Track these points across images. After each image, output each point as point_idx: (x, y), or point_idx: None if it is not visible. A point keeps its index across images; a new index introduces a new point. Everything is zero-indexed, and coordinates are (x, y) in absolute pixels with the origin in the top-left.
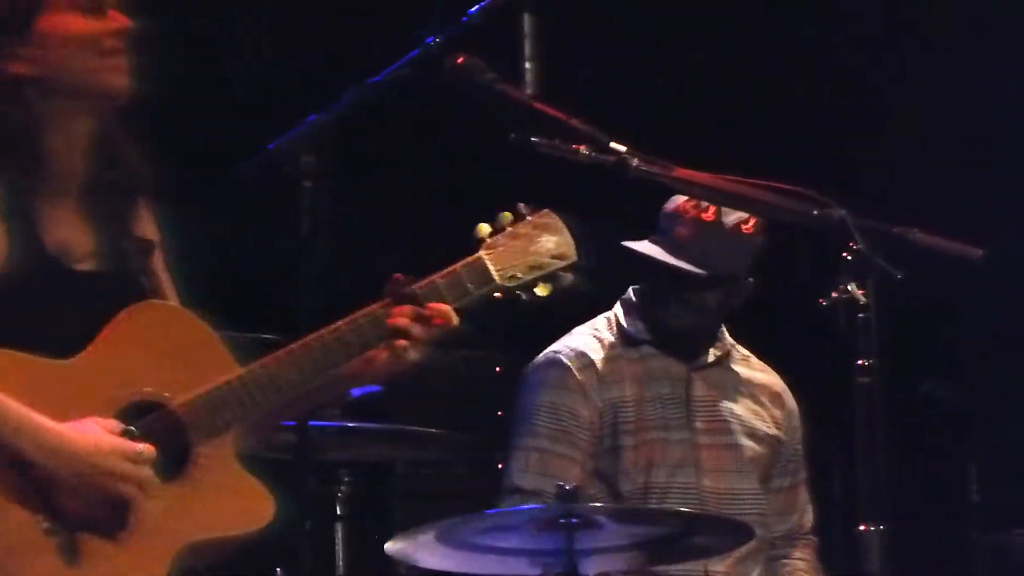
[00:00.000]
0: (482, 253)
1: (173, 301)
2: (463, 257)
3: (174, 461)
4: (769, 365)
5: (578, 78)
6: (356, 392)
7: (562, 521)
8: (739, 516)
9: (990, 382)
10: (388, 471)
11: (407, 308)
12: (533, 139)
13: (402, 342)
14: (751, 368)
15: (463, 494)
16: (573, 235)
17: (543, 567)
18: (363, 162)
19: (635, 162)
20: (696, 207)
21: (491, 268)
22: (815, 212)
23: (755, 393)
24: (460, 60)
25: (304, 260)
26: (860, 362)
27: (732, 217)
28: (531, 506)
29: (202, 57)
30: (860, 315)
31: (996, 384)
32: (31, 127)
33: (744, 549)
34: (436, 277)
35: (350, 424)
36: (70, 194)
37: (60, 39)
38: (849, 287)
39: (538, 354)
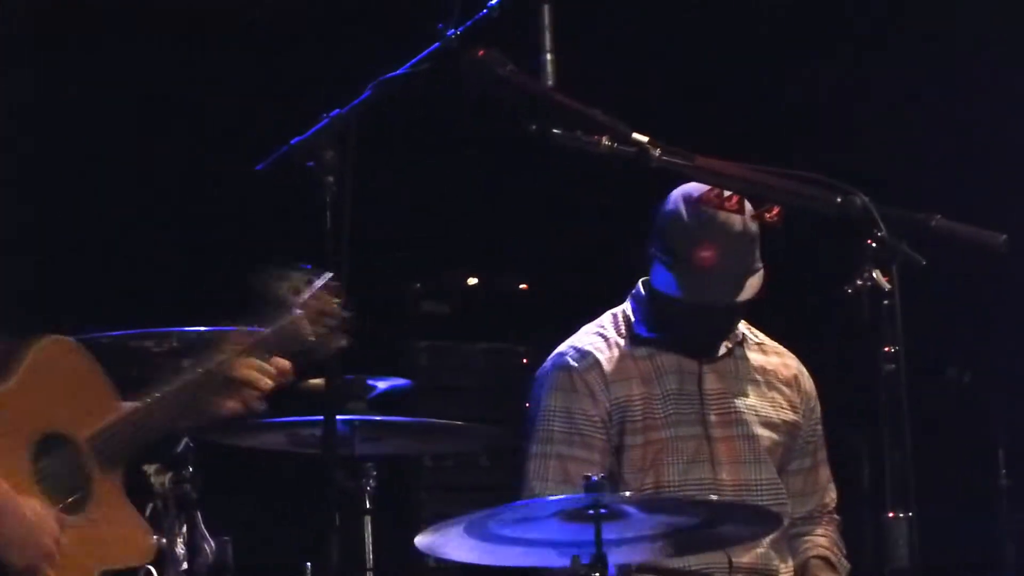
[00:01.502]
0: (299, 312)
1: None
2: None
3: (77, 494)
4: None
5: (597, 69)
6: (383, 387)
7: (590, 512)
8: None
9: (1015, 365)
10: (415, 464)
11: (254, 361)
12: (554, 131)
13: (253, 392)
14: (765, 353)
15: (489, 486)
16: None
17: (571, 558)
18: (386, 157)
19: (657, 152)
20: (719, 196)
21: (307, 327)
22: (838, 199)
23: (769, 380)
24: (480, 53)
25: (328, 256)
26: (885, 349)
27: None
28: (559, 497)
29: (224, 53)
30: (884, 302)
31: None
32: None
33: (767, 540)
34: (267, 333)
35: (376, 418)
36: None
37: None
38: (873, 274)
39: (560, 344)
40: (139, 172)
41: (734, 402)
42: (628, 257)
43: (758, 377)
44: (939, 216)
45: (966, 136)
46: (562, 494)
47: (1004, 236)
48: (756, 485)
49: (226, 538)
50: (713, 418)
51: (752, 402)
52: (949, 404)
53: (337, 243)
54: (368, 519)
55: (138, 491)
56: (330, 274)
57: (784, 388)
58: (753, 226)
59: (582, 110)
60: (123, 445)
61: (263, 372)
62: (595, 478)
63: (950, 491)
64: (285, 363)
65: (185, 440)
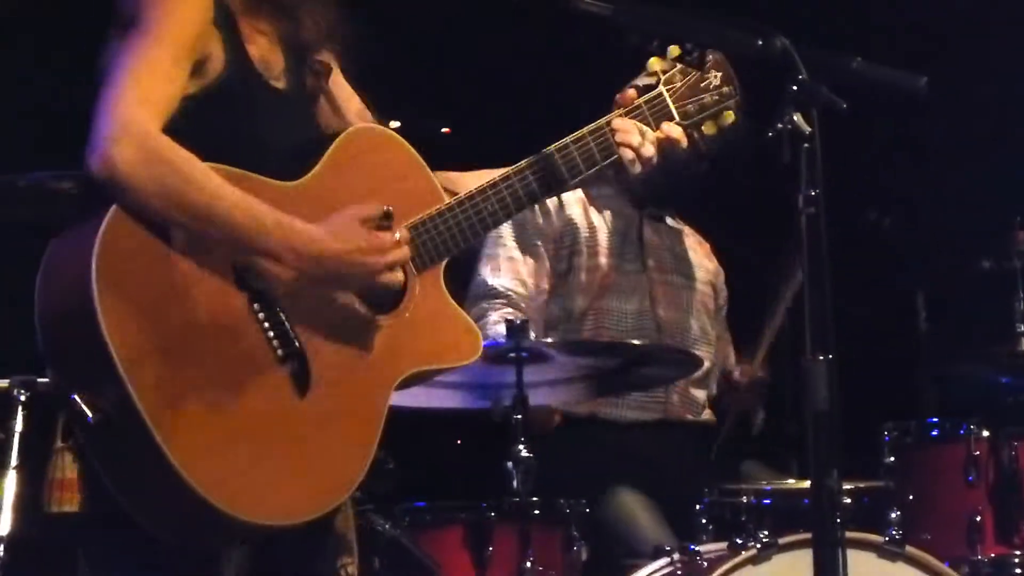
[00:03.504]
0: (662, 89)
1: (360, 110)
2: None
3: (391, 292)
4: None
5: None
6: None
7: (512, 355)
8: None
9: (937, 210)
10: None
11: (631, 123)
12: None
13: (630, 153)
14: (683, 231)
15: None
16: (734, 72)
17: (492, 400)
18: None
19: None
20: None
21: (671, 105)
22: (759, 41)
23: (695, 247)
24: None
25: None
26: (805, 192)
27: None
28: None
29: None
30: (805, 145)
31: (942, 211)
32: None
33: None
34: (639, 101)
35: None
36: (263, 14)
37: None
38: (794, 117)
39: None
40: None
41: (671, 255)
42: (552, 101)
43: (687, 244)
44: (859, 58)
45: None
46: (513, 289)
47: (925, 78)
48: (690, 331)
49: None
50: (651, 263)
51: (685, 259)
52: (869, 248)
53: None
54: None
55: None
56: (706, 50)
57: (705, 258)
58: None
59: None
60: (445, 238)
61: (643, 135)
62: (517, 321)
63: (869, 335)
64: (675, 129)
65: None
